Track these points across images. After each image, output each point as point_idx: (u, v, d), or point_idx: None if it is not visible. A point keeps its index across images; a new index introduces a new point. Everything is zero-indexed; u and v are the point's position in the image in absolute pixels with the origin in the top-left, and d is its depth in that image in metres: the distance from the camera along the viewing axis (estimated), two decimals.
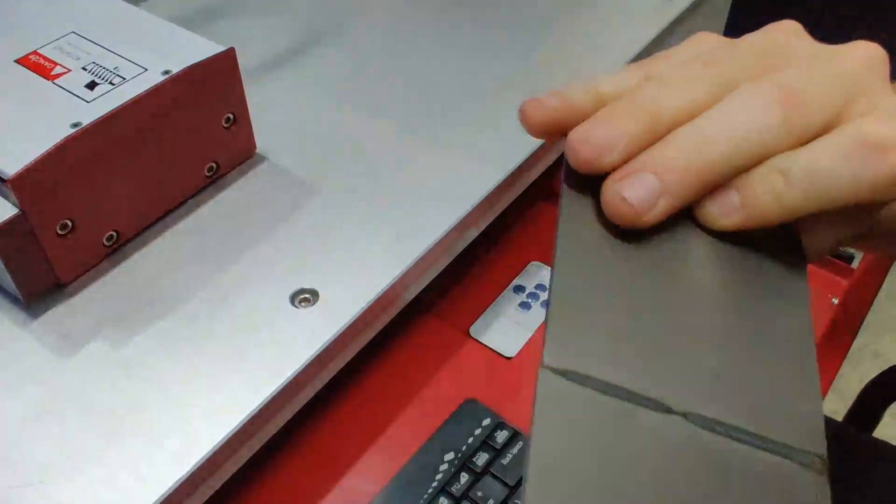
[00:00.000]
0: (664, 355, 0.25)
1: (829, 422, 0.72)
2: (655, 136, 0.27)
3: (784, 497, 0.23)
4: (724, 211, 0.26)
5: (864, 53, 0.28)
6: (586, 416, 0.23)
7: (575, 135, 0.27)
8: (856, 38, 0.31)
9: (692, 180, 0.26)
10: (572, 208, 0.28)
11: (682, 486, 0.23)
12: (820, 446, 0.24)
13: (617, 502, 0.22)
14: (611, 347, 0.25)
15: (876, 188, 0.26)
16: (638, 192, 0.26)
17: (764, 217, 0.26)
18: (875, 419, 0.80)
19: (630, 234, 0.27)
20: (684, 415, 0.24)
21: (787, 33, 0.30)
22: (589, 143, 0.26)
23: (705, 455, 0.23)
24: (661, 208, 0.26)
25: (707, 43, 0.30)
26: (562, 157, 0.29)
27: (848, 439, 0.70)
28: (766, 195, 0.26)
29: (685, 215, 0.27)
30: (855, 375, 1.28)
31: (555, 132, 0.29)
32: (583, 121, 0.27)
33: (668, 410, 0.24)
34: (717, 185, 0.26)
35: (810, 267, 0.55)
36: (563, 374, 0.24)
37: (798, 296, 0.27)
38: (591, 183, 0.28)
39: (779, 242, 0.28)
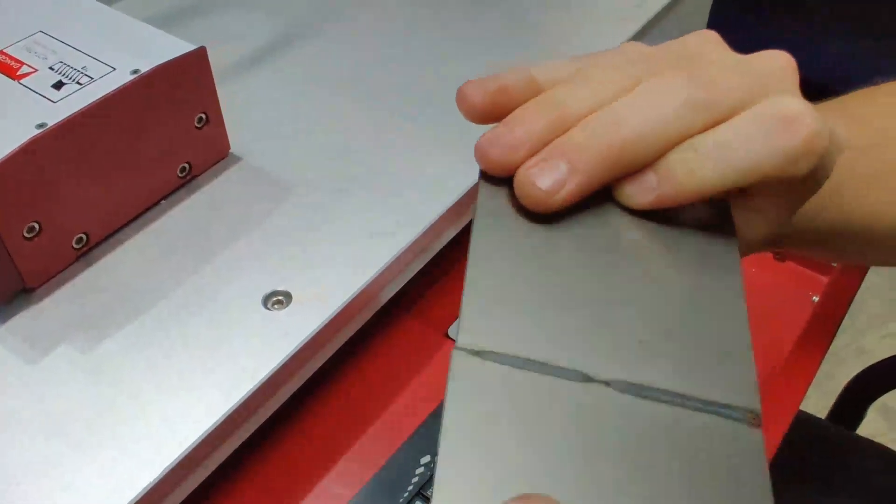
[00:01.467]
0: (585, 327, 0.24)
1: (812, 420, 0.71)
2: (564, 131, 0.27)
3: (716, 454, 0.22)
4: (641, 189, 0.27)
5: (775, 60, 0.29)
6: (501, 392, 0.23)
7: (484, 138, 0.28)
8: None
9: (600, 159, 0.26)
10: (488, 201, 0.28)
11: (607, 453, 0.22)
12: (752, 401, 0.23)
13: (537, 475, 0.21)
14: (527, 324, 0.24)
15: (788, 158, 0.26)
16: (548, 176, 0.26)
17: (679, 192, 0.26)
18: (859, 416, 0.80)
19: (551, 218, 0.27)
20: (606, 382, 0.23)
21: (704, 41, 0.30)
22: (497, 146, 0.27)
23: (631, 420, 0.23)
24: (570, 189, 0.26)
25: (633, 51, 0.30)
26: None
27: (831, 437, 0.70)
28: (680, 171, 0.26)
29: (609, 200, 0.28)
30: (840, 373, 1.28)
31: (491, 118, 0.29)
32: (517, 107, 0.28)
33: (588, 379, 0.23)
34: (631, 166, 0.27)
35: (789, 264, 0.55)
36: (478, 353, 0.24)
37: (728, 265, 0.27)
38: (507, 179, 0.28)
39: (711, 222, 0.28)
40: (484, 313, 0.25)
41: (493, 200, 0.28)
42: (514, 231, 0.27)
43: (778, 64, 0.28)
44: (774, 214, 0.30)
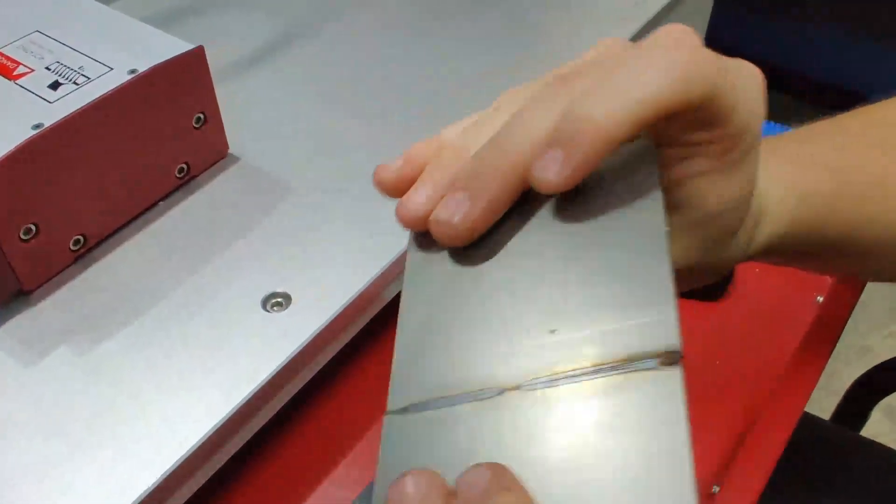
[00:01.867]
0: (501, 342, 0.25)
1: (816, 421, 0.71)
2: None
3: (635, 410, 0.22)
4: (554, 168, 0.25)
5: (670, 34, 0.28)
6: (426, 438, 0.23)
7: (399, 204, 0.29)
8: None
9: (495, 176, 0.26)
10: (415, 254, 0.29)
11: (537, 454, 0.22)
12: (667, 340, 0.23)
13: None
14: (447, 362, 0.25)
15: (678, 78, 0.25)
16: (450, 208, 0.27)
17: (589, 146, 0.25)
18: (863, 417, 0.80)
19: (473, 253, 0.27)
20: (517, 387, 0.23)
21: (621, 45, 0.30)
22: (406, 204, 0.29)
23: (549, 410, 0.23)
24: (475, 214, 0.26)
25: (557, 71, 0.31)
26: None
27: (835, 439, 0.70)
28: (578, 125, 0.25)
29: (530, 211, 0.27)
30: (843, 372, 1.27)
31: (405, 189, 0.30)
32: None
33: (501, 391, 0.23)
34: (525, 166, 0.26)
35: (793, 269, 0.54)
36: (404, 411, 0.24)
37: (650, 209, 0.26)
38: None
39: (630, 176, 0.27)
40: (409, 368, 0.25)
41: (419, 254, 0.29)
42: (439, 277, 0.27)
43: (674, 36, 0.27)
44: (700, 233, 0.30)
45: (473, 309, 0.26)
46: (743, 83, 0.28)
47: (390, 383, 0.25)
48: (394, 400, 0.25)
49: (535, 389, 0.23)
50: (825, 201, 0.34)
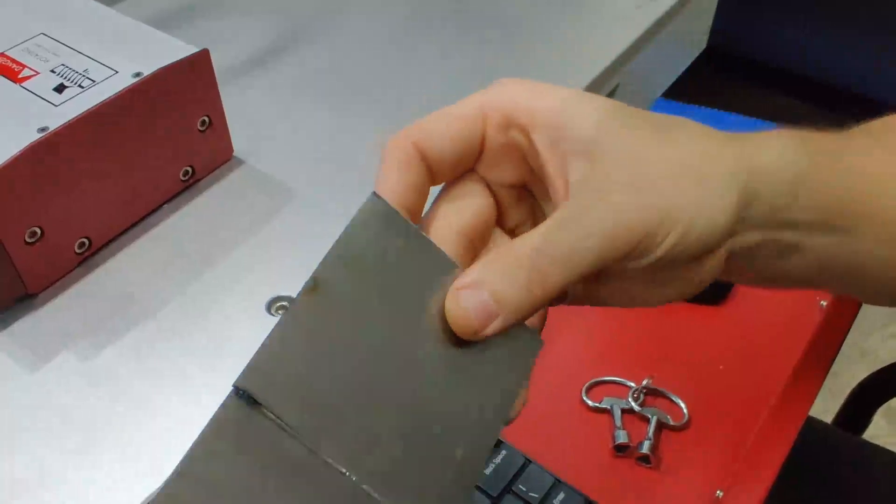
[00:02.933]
0: (341, 415, 0.25)
1: (818, 424, 0.71)
2: None
3: None
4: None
5: None
6: (245, 434, 0.24)
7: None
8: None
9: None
10: (355, 238, 0.30)
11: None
12: None
13: None
14: (302, 394, 0.25)
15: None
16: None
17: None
18: (866, 421, 0.80)
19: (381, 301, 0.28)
20: (326, 462, 0.25)
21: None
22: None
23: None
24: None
25: None
26: None
27: (838, 442, 0.70)
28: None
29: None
30: (844, 373, 1.27)
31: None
32: None
33: (313, 454, 0.24)
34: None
35: None
36: (253, 402, 0.25)
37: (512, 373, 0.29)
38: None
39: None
40: (279, 367, 0.26)
41: (356, 244, 0.29)
42: (357, 286, 0.28)
43: None
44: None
45: (347, 375, 0.26)
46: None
47: (256, 357, 0.26)
48: (245, 379, 0.25)
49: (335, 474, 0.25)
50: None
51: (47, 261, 0.44)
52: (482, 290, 0.28)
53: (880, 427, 1.33)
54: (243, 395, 0.24)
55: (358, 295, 0.27)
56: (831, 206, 0.32)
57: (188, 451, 0.23)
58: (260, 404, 0.24)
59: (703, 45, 0.82)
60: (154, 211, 0.49)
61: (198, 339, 0.43)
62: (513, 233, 0.34)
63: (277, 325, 0.26)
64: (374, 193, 0.29)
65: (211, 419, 0.24)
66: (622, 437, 0.48)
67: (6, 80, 0.44)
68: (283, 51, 0.61)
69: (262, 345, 0.25)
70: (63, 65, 0.45)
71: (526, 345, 0.29)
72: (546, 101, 0.29)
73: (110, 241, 0.47)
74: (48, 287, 0.44)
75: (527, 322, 0.29)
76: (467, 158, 0.31)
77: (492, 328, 0.28)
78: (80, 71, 0.44)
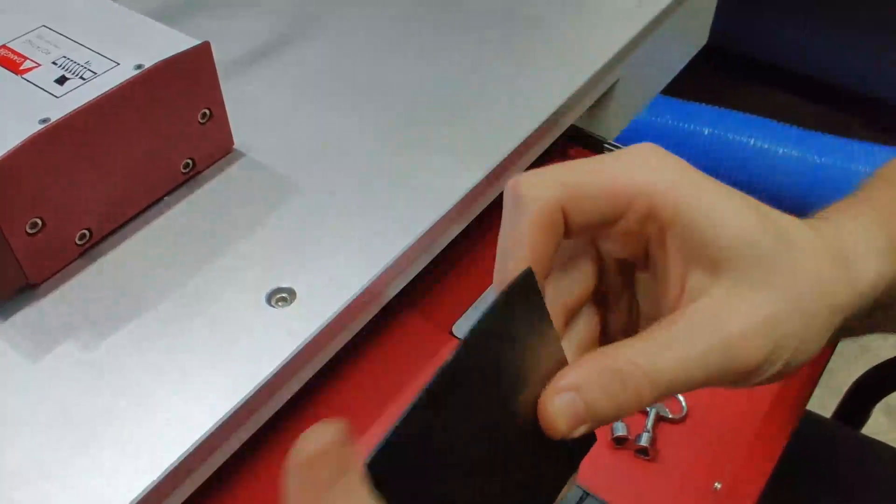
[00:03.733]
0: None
1: (817, 419, 0.71)
2: None
3: None
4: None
5: None
6: None
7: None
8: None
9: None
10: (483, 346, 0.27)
11: None
12: None
13: None
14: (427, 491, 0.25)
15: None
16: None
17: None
18: (864, 415, 0.80)
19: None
20: None
21: None
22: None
23: None
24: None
25: None
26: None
27: (837, 437, 0.70)
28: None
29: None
30: (843, 370, 1.27)
31: None
32: None
33: None
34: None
35: None
36: (378, 485, 0.24)
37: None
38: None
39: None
40: (409, 454, 0.25)
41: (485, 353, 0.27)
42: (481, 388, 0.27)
43: None
44: None
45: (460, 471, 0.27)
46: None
47: (389, 437, 0.24)
48: (378, 462, 0.24)
49: None
50: None
51: (49, 251, 0.44)
52: (577, 397, 0.27)
53: (880, 423, 1.33)
54: (371, 474, 0.24)
55: (488, 373, 0.27)
56: None
57: None
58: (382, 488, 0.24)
59: (703, 43, 0.82)
60: (155, 203, 0.49)
61: (199, 330, 0.43)
62: (603, 299, 0.33)
63: (413, 407, 0.25)
64: (530, 269, 0.28)
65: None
66: (621, 430, 0.48)
67: (8, 71, 0.44)
68: (285, 44, 0.61)
69: (396, 427, 0.25)
70: (64, 56, 0.45)
71: (586, 439, 0.30)
72: (693, 203, 0.28)
73: (111, 232, 0.47)
74: (49, 278, 0.45)
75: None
76: (600, 231, 0.30)
77: (577, 433, 0.28)
78: (82, 63, 0.44)
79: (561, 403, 0.27)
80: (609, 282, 0.32)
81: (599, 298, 0.32)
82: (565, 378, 0.28)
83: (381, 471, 0.24)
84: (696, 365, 0.27)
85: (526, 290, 0.27)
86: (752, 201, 0.29)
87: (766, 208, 0.30)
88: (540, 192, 0.28)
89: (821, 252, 0.29)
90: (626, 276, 0.32)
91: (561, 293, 0.30)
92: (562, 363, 0.29)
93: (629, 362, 0.27)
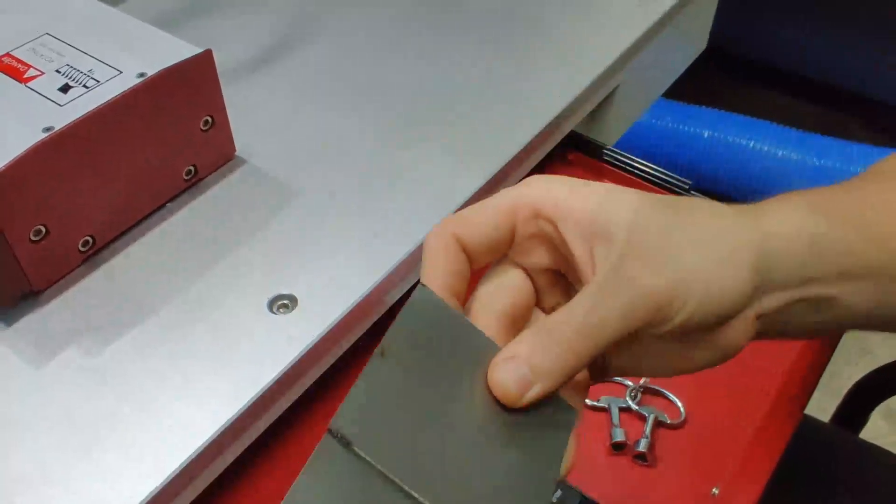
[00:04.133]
0: (428, 466, 0.29)
1: (815, 423, 0.71)
2: None
3: None
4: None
5: None
6: (346, 478, 0.27)
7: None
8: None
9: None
10: (417, 313, 0.32)
11: None
12: None
13: None
14: (392, 444, 0.28)
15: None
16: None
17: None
18: (863, 419, 0.80)
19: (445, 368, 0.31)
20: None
21: None
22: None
23: None
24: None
25: None
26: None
27: (835, 441, 0.70)
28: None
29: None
30: (844, 373, 1.28)
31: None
32: None
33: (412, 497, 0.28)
34: None
35: None
36: (346, 444, 0.28)
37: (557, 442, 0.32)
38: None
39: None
40: (370, 412, 0.29)
41: (419, 318, 0.31)
42: (422, 352, 0.31)
43: None
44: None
45: (421, 421, 0.30)
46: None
47: (346, 404, 0.28)
48: (338, 421, 0.28)
49: None
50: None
51: (52, 258, 0.44)
52: (519, 361, 0.31)
53: (880, 427, 1.33)
54: (337, 436, 0.27)
55: (417, 366, 0.30)
56: (855, 263, 0.33)
57: (294, 482, 0.27)
58: (352, 444, 0.28)
59: (704, 46, 0.82)
60: (157, 209, 0.49)
61: (200, 337, 0.43)
62: (551, 312, 0.36)
63: (360, 377, 0.29)
64: (421, 284, 0.33)
65: (311, 455, 0.27)
66: (619, 435, 0.48)
67: (12, 80, 0.44)
68: (285, 51, 0.61)
69: (350, 393, 0.29)
70: (68, 65, 0.45)
71: (565, 414, 0.33)
72: (569, 195, 0.33)
73: (114, 239, 0.47)
74: (53, 284, 0.45)
75: (570, 398, 0.33)
76: (501, 245, 0.34)
77: (530, 395, 0.31)
78: (85, 71, 0.45)
79: (505, 369, 0.31)
80: (549, 295, 0.36)
81: (548, 312, 0.36)
82: (504, 352, 0.31)
83: (348, 432, 0.27)
84: (609, 311, 0.31)
85: (429, 304, 0.32)
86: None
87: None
88: (435, 230, 0.34)
89: (716, 206, 0.34)
90: (563, 288, 0.36)
91: (492, 304, 0.34)
92: (496, 349, 0.32)
93: (556, 322, 0.31)
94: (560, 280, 0.36)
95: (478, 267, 0.35)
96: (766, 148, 1.51)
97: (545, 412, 0.32)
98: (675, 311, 0.31)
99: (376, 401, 0.29)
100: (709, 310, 0.31)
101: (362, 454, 0.28)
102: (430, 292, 0.32)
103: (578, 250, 0.32)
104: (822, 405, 0.86)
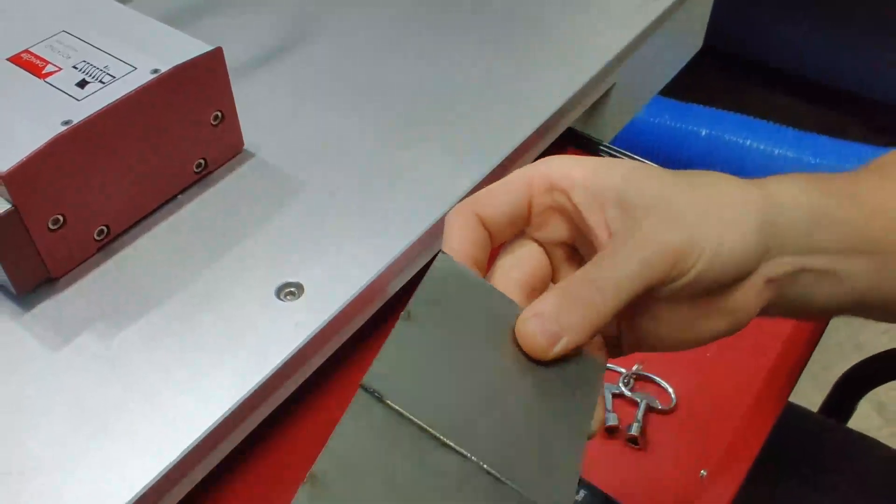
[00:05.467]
0: (461, 417, 0.30)
1: (802, 411, 0.73)
2: None
3: None
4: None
5: None
6: (388, 440, 0.28)
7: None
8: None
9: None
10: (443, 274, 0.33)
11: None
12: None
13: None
14: (425, 397, 0.30)
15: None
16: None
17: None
18: (850, 408, 0.82)
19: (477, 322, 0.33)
20: (475, 461, 0.29)
21: None
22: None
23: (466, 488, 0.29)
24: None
25: None
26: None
27: (821, 429, 0.72)
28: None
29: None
30: (837, 367, 1.29)
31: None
32: None
33: (464, 456, 0.29)
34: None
35: None
36: (379, 399, 0.29)
37: (587, 399, 0.33)
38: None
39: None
40: (403, 370, 0.30)
41: (445, 283, 0.33)
42: (451, 314, 0.32)
43: None
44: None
45: (456, 370, 0.31)
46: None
47: (379, 360, 0.29)
48: (372, 378, 0.29)
49: (483, 474, 0.29)
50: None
51: (69, 247, 0.46)
52: (547, 315, 0.32)
53: (871, 419, 1.35)
54: (371, 391, 0.29)
55: (444, 326, 0.32)
56: (854, 236, 0.35)
57: (330, 437, 0.28)
58: (385, 398, 0.29)
59: (700, 44, 0.83)
60: (169, 201, 0.51)
61: (210, 323, 0.45)
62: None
63: (389, 339, 0.30)
64: (442, 252, 0.34)
65: (346, 411, 0.28)
66: (612, 420, 0.50)
67: (31, 75, 0.46)
68: (293, 47, 0.63)
69: (380, 353, 0.30)
70: (84, 61, 0.47)
71: (592, 366, 0.34)
72: (581, 166, 0.35)
73: (128, 228, 0.49)
74: (69, 272, 0.47)
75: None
76: (519, 220, 0.36)
77: (558, 348, 0.32)
78: (101, 67, 0.46)
79: (534, 323, 0.32)
80: (565, 270, 0.38)
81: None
82: (529, 308, 0.33)
83: (380, 386, 0.29)
84: (629, 265, 0.32)
85: (451, 271, 0.34)
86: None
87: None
88: (456, 208, 0.36)
89: (723, 175, 0.35)
90: (578, 263, 0.37)
91: (511, 274, 0.36)
92: (519, 309, 0.34)
93: (579, 279, 0.33)
94: (574, 255, 0.38)
95: (497, 243, 0.37)
96: (762, 147, 1.52)
97: (571, 368, 0.33)
98: (689, 265, 0.33)
99: (406, 358, 0.30)
100: (721, 266, 0.33)
101: (397, 407, 0.29)
102: (451, 259, 0.34)
103: (593, 217, 0.34)
104: (815, 400, 0.87)
